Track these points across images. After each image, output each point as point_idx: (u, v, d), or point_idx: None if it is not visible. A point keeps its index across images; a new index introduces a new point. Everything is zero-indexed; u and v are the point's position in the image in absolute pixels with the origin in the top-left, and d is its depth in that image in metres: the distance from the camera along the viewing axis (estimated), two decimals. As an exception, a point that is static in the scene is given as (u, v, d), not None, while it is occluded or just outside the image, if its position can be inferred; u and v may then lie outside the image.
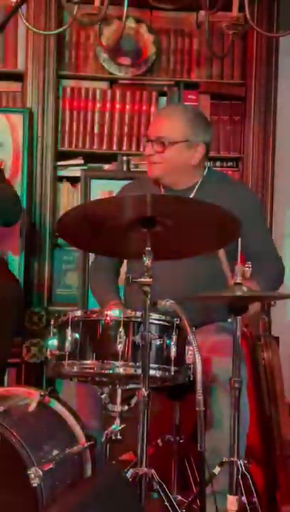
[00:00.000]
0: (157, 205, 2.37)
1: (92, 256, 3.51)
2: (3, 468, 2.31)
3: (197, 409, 2.30)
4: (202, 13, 4.09)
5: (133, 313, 2.44)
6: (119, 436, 2.42)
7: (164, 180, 3.07)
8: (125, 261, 3.19)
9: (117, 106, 4.17)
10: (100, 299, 3.14)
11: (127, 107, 4.17)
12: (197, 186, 3.09)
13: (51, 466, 2.31)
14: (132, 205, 2.41)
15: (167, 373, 2.45)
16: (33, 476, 2.25)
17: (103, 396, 2.50)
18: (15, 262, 3.99)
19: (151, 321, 2.39)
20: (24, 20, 3.11)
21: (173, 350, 2.45)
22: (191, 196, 3.02)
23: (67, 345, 2.45)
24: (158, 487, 2.33)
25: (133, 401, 2.44)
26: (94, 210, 2.47)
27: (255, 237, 2.97)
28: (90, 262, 3.58)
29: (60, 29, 3.56)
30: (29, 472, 2.25)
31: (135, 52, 4.17)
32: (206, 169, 3.14)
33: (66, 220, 2.47)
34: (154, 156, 3.04)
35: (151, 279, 2.34)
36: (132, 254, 2.57)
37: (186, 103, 4.15)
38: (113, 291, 3.14)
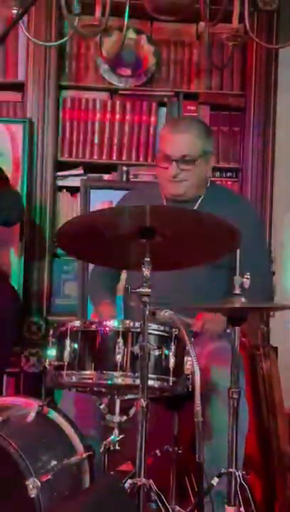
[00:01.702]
0: (156, 215, 2.37)
1: (91, 266, 3.52)
2: (1, 478, 2.31)
3: (195, 419, 2.31)
4: (202, 24, 4.11)
5: (131, 323, 2.44)
6: (117, 447, 2.42)
7: (186, 195, 3.06)
8: (124, 271, 3.19)
9: (117, 116, 4.18)
10: (94, 300, 3.16)
11: (127, 117, 4.18)
12: (201, 198, 3.10)
13: (49, 476, 2.30)
14: (132, 215, 2.42)
15: (165, 384, 2.45)
16: (31, 486, 2.24)
17: (101, 406, 2.51)
18: (15, 272, 4.00)
19: (149, 331, 2.38)
20: (25, 31, 3.13)
21: (172, 360, 2.45)
22: (195, 208, 3.02)
23: (66, 355, 2.45)
24: (156, 497, 2.33)
25: (132, 411, 2.44)
26: (93, 220, 2.47)
27: (250, 254, 2.91)
28: (90, 271, 3.59)
29: (61, 40, 3.57)
30: (27, 483, 2.25)
31: (135, 63, 4.19)
32: (209, 182, 3.15)
33: (66, 230, 2.47)
34: (180, 174, 3.04)
35: (149, 290, 2.35)
36: (131, 265, 2.57)
37: (186, 114, 4.17)
38: (107, 292, 3.14)
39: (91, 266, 3.51)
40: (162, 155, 3.07)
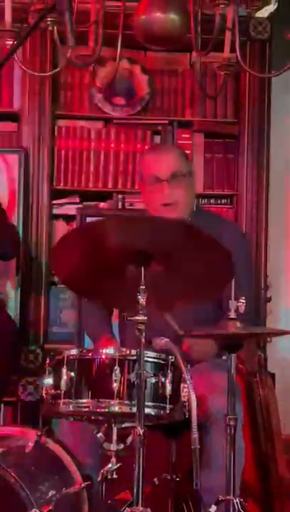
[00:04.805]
0: (154, 236, 2.38)
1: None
2: (2, 509, 2.30)
3: (192, 447, 2.30)
4: (195, 53, 4.14)
5: (128, 351, 2.44)
6: (115, 476, 2.41)
7: (184, 218, 3.05)
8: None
9: (112, 145, 4.21)
10: (93, 334, 3.13)
11: (122, 145, 4.21)
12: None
13: (50, 507, 2.30)
14: (129, 232, 2.41)
15: (162, 411, 2.44)
16: (33, 518, 2.24)
17: (99, 435, 2.50)
18: (12, 300, 4.00)
19: (146, 359, 2.39)
20: (20, 63, 3.15)
21: (169, 388, 2.44)
22: None
23: (63, 383, 2.45)
24: (154, 526, 2.32)
25: (129, 439, 2.43)
26: (90, 233, 2.49)
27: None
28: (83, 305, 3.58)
29: (55, 70, 3.60)
30: (29, 514, 2.24)
31: (129, 92, 4.22)
32: (195, 207, 3.17)
33: (61, 249, 2.49)
34: (172, 195, 3.03)
35: (145, 317, 2.35)
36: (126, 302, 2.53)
37: (180, 142, 4.19)
38: (106, 326, 3.13)
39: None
40: (150, 178, 3.08)
